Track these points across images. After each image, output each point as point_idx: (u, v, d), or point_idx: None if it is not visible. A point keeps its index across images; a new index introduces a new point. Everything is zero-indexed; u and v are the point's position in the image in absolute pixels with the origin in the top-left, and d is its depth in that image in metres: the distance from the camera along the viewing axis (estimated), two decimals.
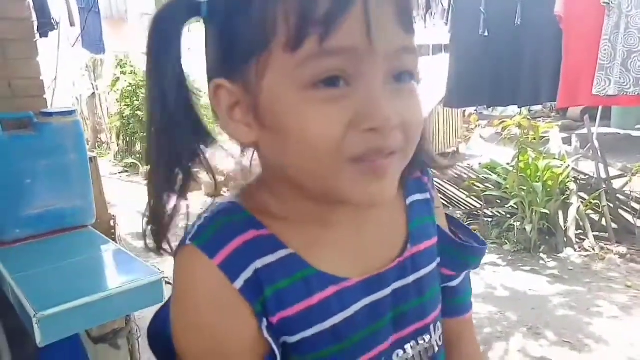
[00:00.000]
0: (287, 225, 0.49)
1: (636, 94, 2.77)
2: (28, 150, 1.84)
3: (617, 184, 4.05)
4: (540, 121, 4.92)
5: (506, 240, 3.94)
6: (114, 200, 5.67)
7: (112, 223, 2.66)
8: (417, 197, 0.59)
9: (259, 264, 0.46)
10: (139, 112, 7.40)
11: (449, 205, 4.86)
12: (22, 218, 1.83)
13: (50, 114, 1.91)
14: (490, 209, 4.38)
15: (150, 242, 0.48)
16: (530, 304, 3.01)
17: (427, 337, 0.56)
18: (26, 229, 1.84)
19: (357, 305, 0.50)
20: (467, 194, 4.60)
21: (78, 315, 1.34)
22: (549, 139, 4.46)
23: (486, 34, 3.28)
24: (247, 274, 0.45)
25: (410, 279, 0.54)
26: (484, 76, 3.37)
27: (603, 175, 3.94)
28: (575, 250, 3.69)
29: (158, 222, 0.47)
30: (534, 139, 3.80)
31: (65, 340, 1.37)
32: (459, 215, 4.52)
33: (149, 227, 0.48)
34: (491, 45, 3.30)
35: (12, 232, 1.82)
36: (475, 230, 4.25)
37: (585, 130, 4.15)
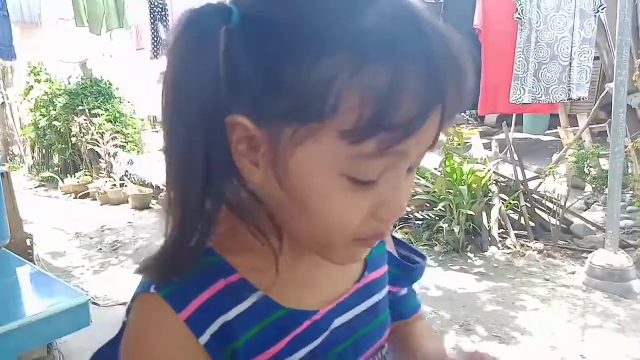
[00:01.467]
0: (256, 266, 0.47)
1: (547, 102, 3.02)
2: None
3: (533, 185, 4.37)
4: (462, 127, 5.20)
5: (436, 242, 4.10)
6: (30, 218, 5.25)
7: (28, 242, 2.45)
8: None
9: (228, 316, 0.44)
10: (55, 123, 6.92)
11: None
12: None
13: None
14: (420, 212, 4.55)
15: (153, 273, 0.44)
16: (461, 301, 3.15)
17: (379, 356, 0.58)
18: None
19: (324, 335, 0.50)
20: None
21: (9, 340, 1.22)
22: (471, 145, 4.72)
23: None
24: (214, 327, 0.43)
25: (368, 303, 0.56)
26: None
27: (520, 178, 4.23)
28: (498, 248, 3.92)
29: (179, 256, 0.42)
30: (459, 144, 4.00)
31: None
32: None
33: (163, 261, 0.43)
34: None
35: None
36: (407, 234, 4.39)
37: (502, 136, 4.44)
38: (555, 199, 4.07)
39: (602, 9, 2.80)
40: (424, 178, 4.45)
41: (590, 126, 5.51)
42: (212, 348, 0.43)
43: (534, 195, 4.22)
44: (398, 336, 0.66)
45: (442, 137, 4.25)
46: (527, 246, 3.92)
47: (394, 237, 0.66)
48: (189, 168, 0.40)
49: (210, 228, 0.43)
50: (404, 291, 0.66)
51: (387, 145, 0.36)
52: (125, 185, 6.04)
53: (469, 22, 3.15)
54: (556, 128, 6.49)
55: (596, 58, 5.63)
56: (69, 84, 7.10)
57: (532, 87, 2.98)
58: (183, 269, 0.43)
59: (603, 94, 4.51)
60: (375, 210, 0.41)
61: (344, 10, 0.36)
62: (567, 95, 2.97)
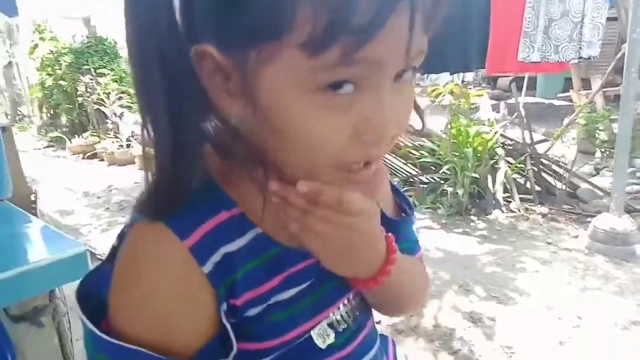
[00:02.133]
0: (255, 203, 0.46)
1: (557, 60, 2.93)
2: None
3: (540, 149, 4.30)
4: (471, 89, 5.10)
5: (440, 205, 4.10)
6: (39, 177, 5.33)
7: (32, 197, 2.48)
8: None
9: (229, 247, 0.44)
10: (62, 82, 6.91)
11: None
12: None
13: None
14: (425, 175, 4.53)
15: (149, 211, 0.43)
16: (462, 263, 3.18)
17: (345, 302, 0.57)
18: None
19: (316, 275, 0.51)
20: (404, 161, 4.71)
21: None
22: (479, 107, 4.64)
23: None
24: (217, 257, 0.43)
25: None
26: None
27: (528, 141, 4.17)
28: (502, 212, 3.91)
29: (164, 194, 0.42)
30: (466, 105, 3.93)
31: None
32: (396, 182, 4.64)
33: (152, 199, 0.42)
34: None
35: None
36: (411, 197, 4.39)
37: (513, 100, 4.35)
38: (562, 163, 4.01)
39: None
40: (429, 140, 4.41)
41: (604, 89, 5.36)
42: (214, 278, 0.42)
43: (541, 159, 4.17)
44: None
45: (449, 99, 4.19)
46: (532, 210, 3.91)
47: (392, 185, 0.65)
48: (157, 103, 0.39)
49: (194, 162, 0.42)
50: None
51: (350, 51, 0.34)
52: (132, 146, 6.07)
53: None
54: (570, 92, 6.33)
55: (614, 18, 5.43)
56: (74, 42, 7.04)
57: (542, 45, 2.89)
58: (176, 203, 0.42)
59: (618, 55, 4.37)
60: (358, 129, 0.39)
61: None
62: (578, 53, 2.87)
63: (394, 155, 4.86)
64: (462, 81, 9.41)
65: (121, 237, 0.47)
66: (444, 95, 4.04)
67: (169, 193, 0.42)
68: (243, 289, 0.45)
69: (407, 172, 4.79)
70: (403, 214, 0.65)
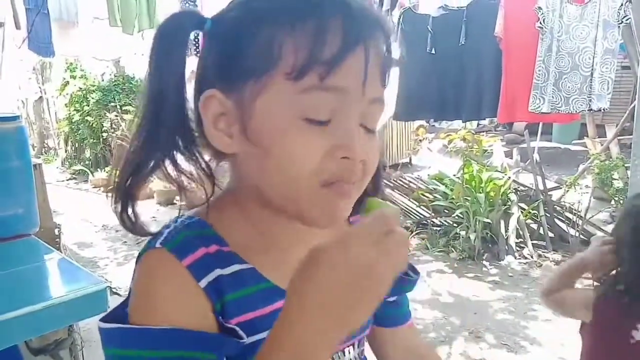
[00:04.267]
0: (249, 244, 0.54)
1: (567, 112, 2.99)
2: None
3: (555, 195, 4.31)
4: (483, 135, 5.17)
5: (452, 249, 4.10)
6: (61, 209, 5.47)
7: (56, 232, 2.59)
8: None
9: (222, 271, 0.51)
10: (88, 118, 7.19)
11: (400, 215, 5.00)
12: None
13: None
14: (438, 218, 4.55)
15: (128, 223, 0.53)
16: (473, 309, 3.16)
17: (351, 350, 0.63)
18: None
19: None
20: (417, 203, 4.75)
21: (17, 325, 1.32)
22: (492, 152, 4.69)
23: (433, 51, 3.44)
24: (211, 277, 0.50)
25: None
26: (430, 91, 3.53)
27: (541, 187, 4.19)
28: (515, 258, 3.89)
29: (130, 196, 0.52)
30: (478, 152, 3.99)
31: (3, 352, 1.34)
32: (408, 225, 4.67)
33: (124, 208, 0.52)
34: (437, 63, 3.46)
35: None
36: (423, 239, 4.40)
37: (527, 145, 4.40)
38: (575, 210, 4.01)
39: (627, 20, 2.77)
40: (443, 184, 4.46)
41: (619, 137, 5.38)
42: (210, 293, 0.50)
43: (554, 205, 4.17)
44: (401, 344, 0.73)
45: (461, 144, 4.26)
46: (545, 257, 3.89)
47: None
48: (146, 128, 0.51)
49: (149, 175, 0.52)
50: (392, 298, 0.70)
51: (322, 77, 0.45)
52: (152, 181, 6.21)
53: (491, 30, 3.15)
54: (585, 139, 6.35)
55: (628, 67, 5.50)
56: (102, 80, 7.37)
57: (552, 97, 2.96)
58: (135, 195, 0.53)
59: (632, 104, 4.41)
60: (333, 150, 0.47)
61: None
62: (588, 106, 2.94)
63: (407, 198, 4.91)
64: (478, 124, 9.49)
65: (134, 274, 0.55)
66: (455, 141, 4.12)
67: (130, 184, 0.52)
68: (234, 312, 0.51)
69: (420, 214, 4.82)
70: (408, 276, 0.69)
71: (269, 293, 0.53)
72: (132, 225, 0.53)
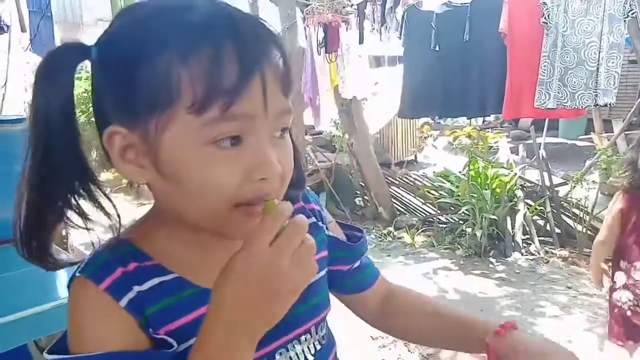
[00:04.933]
0: (173, 253, 0.55)
1: (572, 107, 2.98)
2: None
3: (562, 190, 4.29)
4: (489, 131, 5.14)
5: (459, 246, 4.09)
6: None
7: (64, 233, 2.61)
8: None
9: (142, 287, 0.52)
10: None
11: (406, 212, 5.00)
12: None
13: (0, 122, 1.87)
14: (444, 215, 4.55)
15: (30, 257, 0.52)
16: (479, 306, 3.15)
17: (307, 337, 0.63)
18: None
19: None
20: (423, 201, 4.75)
21: (26, 325, 1.33)
22: (498, 149, 4.67)
23: (437, 48, 3.44)
24: (131, 294, 0.51)
25: None
26: (435, 88, 3.53)
27: (547, 183, 4.17)
28: (522, 254, 3.88)
29: (38, 237, 0.51)
30: (483, 148, 3.98)
31: (13, 352, 1.35)
32: (414, 222, 4.66)
33: (29, 241, 0.51)
34: (442, 60, 3.45)
35: None
36: (429, 237, 4.39)
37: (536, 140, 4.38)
38: (582, 206, 3.98)
39: (633, 14, 2.74)
40: (448, 181, 4.44)
41: (626, 132, 5.34)
42: (132, 309, 0.50)
43: (561, 201, 4.15)
44: (393, 303, 0.75)
45: (467, 141, 4.25)
46: (552, 253, 3.87)
47: (337, 222, 0.74)
48: (33, 172, 0.50)
49: (56, 222, 0.51)
50: (356, 264, 0.73)
51: (225, 108, 0.45)
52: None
53: (495, 26, 3.14)
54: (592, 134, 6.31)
55: (634, 62, 5.45)
56: None
57: (558, 92, 2.94)
58: (47, 249, 0.51)
59: (639, 99, 4.39)
60: (249, 172, 0.47)
61: (164, 23, 0.47)
62: (594, 101, 2.92)
63: (412, 195, 4.90)
64: (483, 120, 9.46)
65: None
66: (461, 138, 4.11)
67: (39, 241, 0.51)
68: (160, 322, 0.52)
69: (426, 211, 4.81)
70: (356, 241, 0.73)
71: (195, 298, 0.53)
72: (47, 266, 0.53)
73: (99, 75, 0.50)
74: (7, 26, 4.33)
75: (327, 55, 4.19)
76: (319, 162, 5.46)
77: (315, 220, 0.68)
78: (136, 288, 0.51)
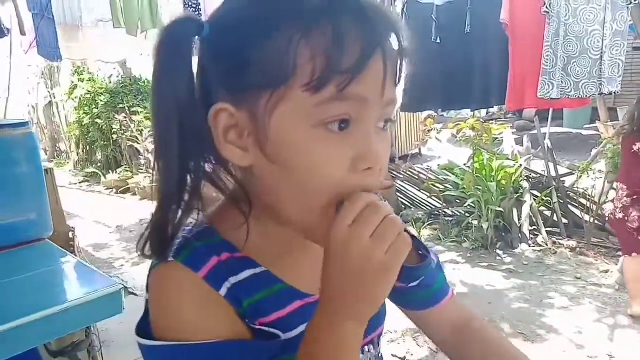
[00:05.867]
0: (260, 247, 0.53)
1: (577, 97, 2.95)
2: None
3: (568, 181, 4.26)
4: (493, 123, 5.12)
5: (465, 238, 4.08)
6: (74, 211, 5.54)
7: (70, 235, 2.62)
8: None
9: (233, 279, 0.50)
10: (98, 120, 7.25)
11: (411, 206, 4.99)
12: None
13: (1, 127, 1.88)
14: (450, 208, 4.53)
15: (148, 251, 0.50)
16: (488, 298, 3.14)
17: (371, 348, 0.62)
18: None
19: None
20: (428, 194, 4.73)
21: (35, 329, 1.34)
22: (502, 140, 4.64)
23: (438, 40, 3.41)
24: (228, 284, 0.50)
25: None
26: (437, 81, 3.50)
27: (553, 174, 4.14)
28: (529, 246, 3.86)
29: (163, 233, 0.49)
30: (488, 140, 3.96)
31: (23, 355, 1.36)
32: (420, 216, 4.65)
33: (152, 237, 0.49)
34: (443, 52, 3.43)
35: None
36: (436, 230, 4.36)
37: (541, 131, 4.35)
38: (589, 196, 3.96)
39: (636, 0, 2.71)
40: (453, 174, 4.43)
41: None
42: (231, 299, 0.49)
43: (568, 192, 4.13)
44: (470, 337, 0.68)
45: (470, 133, 4.22)
46: (560, 244, 3.85)
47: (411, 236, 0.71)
48: (166, 152, 0.47)
49: (192, 204, 0.49)
50: (414, 283, 0.67)
51: (343, 87, 0.43)
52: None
53: (496, 17, 3.11)
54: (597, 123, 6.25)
55: (639, 49, 5.39)
56: (110, 83, 7.41)
57: (561, 82, 2.92)
58: (172, 242, 0.49)
59: None
60: (355, 160, 0.46)
61: None
62: (599, 89, 2.89)
63: (417, 188, 4.89)
64: (487, 112, 9.40)
65: (148, 287, 0.53)
66: (464, 130, 4.09)
67: (166, 233, 0.49)
68: (254, 316, 0.51)
69: (432, 205, 4.79)
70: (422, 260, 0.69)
71: (284, 294, 0.53)
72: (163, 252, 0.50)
73: (209, 52, 0.49)
74: (8, 30, 4.34)
75: None
76: None
77: None
78: (232, 279, 0.50)
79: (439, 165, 5.02)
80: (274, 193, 0.49)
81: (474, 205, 4.03)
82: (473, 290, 3.27)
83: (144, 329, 0.50)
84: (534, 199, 4.07)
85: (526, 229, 3.95)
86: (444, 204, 4.58)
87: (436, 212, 4.65)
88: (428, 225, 4.47)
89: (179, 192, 0.49)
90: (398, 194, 5.06)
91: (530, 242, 3.89)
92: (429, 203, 4.82)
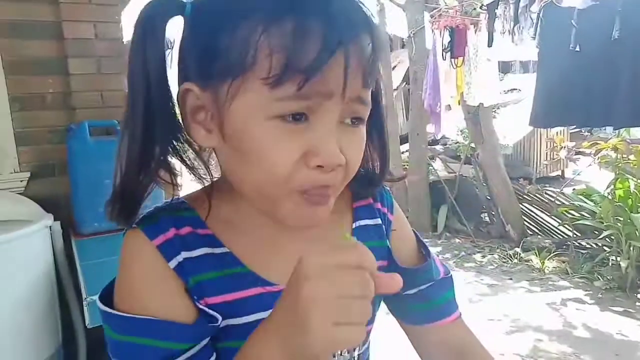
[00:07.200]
0: (229, 228, 0.53)
1: None
2: (110, 153, 2.08)
3: None
4: None
5: (598, 276, 3.54)
6: None
7: None
8: (366, 222, 0.62)
9: (186, 254, 0.51)
10: None
11: (538, 233, 4.50)
12: (100, 214, 2.05)
13: None
14: (583, 239, 3.98)
15: (115, 216, 0.52)
16: (615, 349, 2.68)
17: (344, 351, 0.57)
18: (103, 223, 2.07)
19: None
20: (559, 221, 4.22)
21: None
22: None
23: (577, 48, 3.03)
24: (179, 258, 0.51)
25: None
26: (574, 94, 3.11)
27: None
28: None
29: (127, 200, 0.51)
30: (635, 164, 3.38)
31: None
32: (547, 244, 4.17)
33: (116, 202, 0.51)
34: (583, 61, 3.03)
35: (91, 226, 2.07)
36: (564, 262, 3.88)
37: None
38: None
39: None
40: (591, 200, 3.88)
41: None
42: (180, 272, 0.50)
43: None
44: (442, 342, 0.64)
45: (612, 154, 3.65)
46: None
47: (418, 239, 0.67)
48: (134, 125, 0.49)
49: (157, 173, 0.50)
50: (411, 291, 0.63)
51: (300, 86, 0.42)
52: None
53: None
54: None
55: None
56: None
57: None
58: (137, 209, 0.51)
59: None
60: (307, 157, 0.45)
61: None
62: None
63: (547, 214, 4.39)
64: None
65: None
66: (605, 151, 3.55)
67: (131, 200, 0.50)
68: (201, 293, 0.50)
69: (562, 233, 4.27)
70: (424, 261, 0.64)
71: (242, 278, 0.52)
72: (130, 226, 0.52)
73: (187, 32, 0.50)
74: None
75: (453, 60, 3.97)
76: (442, 172, 5.22)
77: (380, 222, 0.63)
78: (185, 253, 0.51)
79: (574, 189, 4.45)
80: (234, 174, 0.51)
81: (612, 239, 3.48)
82: (599, 337, 2.82)
83: (106, 291, 0.53)
84: None
85: None
86: (577, 234, 4.04)
87: (566, 243, 4.12)
88: (554, 255, 3.98)
89: (142, 162, 0.50)
90: (524, 217, 4.60)
91: None
92: (560, 231, 4.29)
